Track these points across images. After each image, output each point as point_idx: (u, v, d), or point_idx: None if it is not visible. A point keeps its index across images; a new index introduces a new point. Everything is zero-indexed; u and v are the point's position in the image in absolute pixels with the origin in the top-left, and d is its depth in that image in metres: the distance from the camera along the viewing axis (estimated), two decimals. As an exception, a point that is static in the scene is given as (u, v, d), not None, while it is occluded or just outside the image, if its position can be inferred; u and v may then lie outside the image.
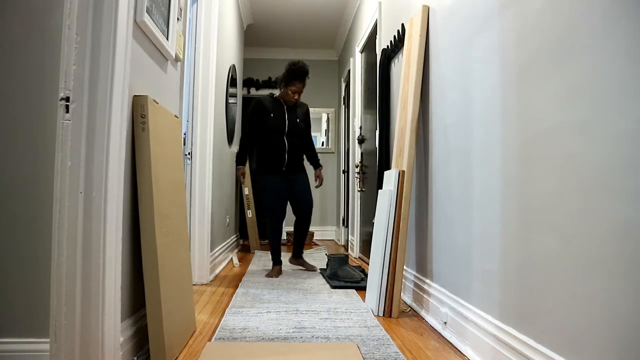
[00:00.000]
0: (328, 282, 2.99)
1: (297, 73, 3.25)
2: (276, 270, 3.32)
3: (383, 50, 3.23)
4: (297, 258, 3.60)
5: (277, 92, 3.60)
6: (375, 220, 2.44)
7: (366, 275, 2.99)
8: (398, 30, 2.87)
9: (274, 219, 3.36)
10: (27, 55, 1.40)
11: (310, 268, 3.52)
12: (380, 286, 2.24)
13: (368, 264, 3.82)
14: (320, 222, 6.15)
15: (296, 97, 3.32)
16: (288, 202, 3.43)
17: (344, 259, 3.16)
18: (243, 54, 5.49)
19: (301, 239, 3.56)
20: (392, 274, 2.25)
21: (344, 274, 3.01)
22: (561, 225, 1.18)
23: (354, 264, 3.69)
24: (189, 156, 3.00)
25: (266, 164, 3.33)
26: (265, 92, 6.15)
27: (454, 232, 1.92)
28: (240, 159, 3.42)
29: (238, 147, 3.44)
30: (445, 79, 2.06)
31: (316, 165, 3.59)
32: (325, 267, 3.60)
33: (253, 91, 6.05)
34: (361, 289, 2.82)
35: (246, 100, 6.02)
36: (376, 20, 3.59)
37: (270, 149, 3.33)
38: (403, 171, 2.28)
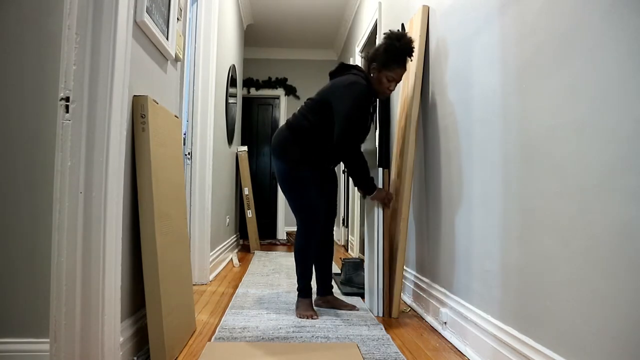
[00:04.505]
0: (339, 288, 2.79)
1: (401, 52, 2.16)
2: (306, 305, 2.24)
3: (383, 50, 3.22)
4: (325, 296, 2.43)
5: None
6: (366, 219, 2.43)
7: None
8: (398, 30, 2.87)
9: (314, 229, 2.25)
10: (27, 55, 1.40)
11: (349, 307, 2.36)
12: (377, 285, 2.24)
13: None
14: (320, 222, 6.13)
15: (393, 88, 2.23)
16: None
17: (359, 264, 2.91)
18: (243, 54, 5.49)
19: (329, 266, 2.46)
20: (387, 274, 2.26)
21: (359, 280, 2.79)
22: (561, 225, 1.18)
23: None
24: (189, 156, 3.00)
25: (313, 158, 2.24)
26: (265, 92, 6.14)
27: (454, 232, 1.92)
28: (370, 179, 2.23)
29: (359, 166, 2.19)
30: (445, 79, 2.06)
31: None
32: (339, 271, 3.25)
33: (253, 91, 6.05)
34: None
35: (246, 100, 6.02)
36: (376, 21, 3.58)
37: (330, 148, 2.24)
38: (387, 170, 2.34)
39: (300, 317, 2.16)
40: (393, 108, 3.03)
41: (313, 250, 2.30)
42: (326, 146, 2.23)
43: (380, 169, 2.37)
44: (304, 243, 2.26)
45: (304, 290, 2.27)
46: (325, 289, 2.42)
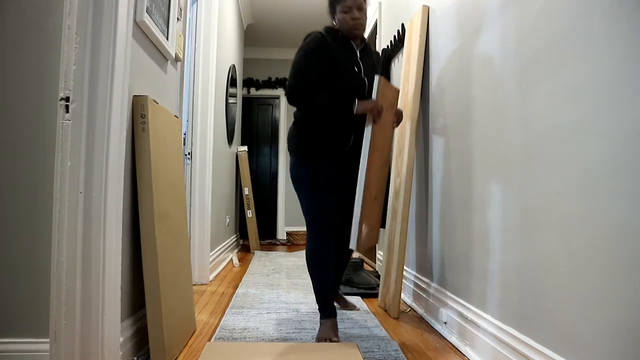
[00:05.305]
0: (339, 288, 2.72)
1: None
2: (327, 327, 1.85)
3: (383, 50, 3.22)
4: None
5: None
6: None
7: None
8: (398, 30, 2.87)
9: (323, 238, 1.89)
10: (27, 55, 1.40)
11: (351, 307, 2.33)
12: (355, 215, 1.80)
13: (368, 264, 3.83)
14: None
15: (356, 16, 1.96)
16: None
17: (359, 264, 2.88)
18: (243, 54, 5.49)
19: (341, 267, 2.24)
20: (366, 208, 1.82)
21: (359, 280, 2.78)
22: (561, 225, 1.17)
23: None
24: (189, 156, 3.00)
25: (318, 144, 1.91)
26: (265, 92, 6.13)
27: (454, 232, 1.92)
28: (342, 101, 1.82)
29: (320, 103, 1.84)
30: (445, 78, 2.06)
31: None
32: None
33: (253, 91, 6.05)
34: (375, 295, 2.59)
35: (246, 100, 6.02)
36: (376, 20, 3.59)
37: (330, 120, 1.88)
38: (381, 76, 1.86)
39: (318, 342, 1.81)
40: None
41: (326, 261, 1.90)
42: (328, 125, 1.89)
43: (377, 77, 1.86)
44: (311, 254, 1.92)
45: (322, 309, 1.89)
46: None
